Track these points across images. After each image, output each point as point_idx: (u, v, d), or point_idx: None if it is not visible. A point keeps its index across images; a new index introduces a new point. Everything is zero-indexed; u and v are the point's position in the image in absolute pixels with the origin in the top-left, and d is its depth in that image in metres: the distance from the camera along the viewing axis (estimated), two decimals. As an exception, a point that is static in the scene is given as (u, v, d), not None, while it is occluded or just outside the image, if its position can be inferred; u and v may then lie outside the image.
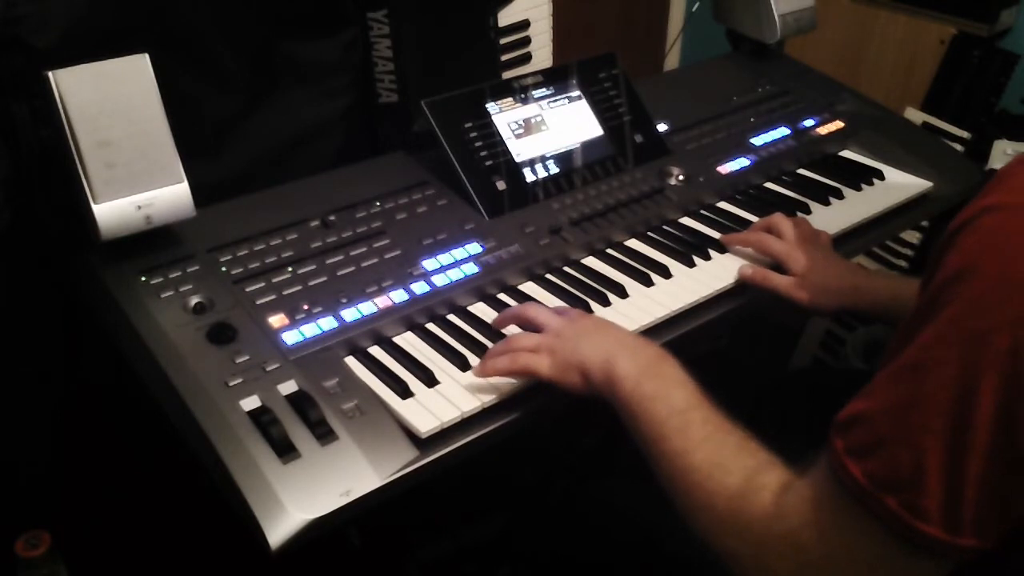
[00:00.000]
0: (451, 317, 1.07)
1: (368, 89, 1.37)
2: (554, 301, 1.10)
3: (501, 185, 1.22)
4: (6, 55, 1.03)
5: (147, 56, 0.99)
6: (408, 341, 1.03)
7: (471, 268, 1.11)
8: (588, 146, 1.31)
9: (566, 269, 1.17)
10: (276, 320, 0.99)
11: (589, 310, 1.08)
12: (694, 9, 2.76)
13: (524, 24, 1.63)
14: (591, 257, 1.20)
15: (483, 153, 1.23)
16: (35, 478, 1.21)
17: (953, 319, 0.63)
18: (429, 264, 1.10)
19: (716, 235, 1.24)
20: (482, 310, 1.09)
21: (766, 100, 1.57)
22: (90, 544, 1.21)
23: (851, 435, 0.68)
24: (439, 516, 1.42)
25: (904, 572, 0.68)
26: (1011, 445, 0.62)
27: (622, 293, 1.12)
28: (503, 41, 1.58)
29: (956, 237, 0.65)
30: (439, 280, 1.09)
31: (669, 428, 0.83)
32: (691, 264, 1.18)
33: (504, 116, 1.26)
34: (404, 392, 0.94)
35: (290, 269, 1.06)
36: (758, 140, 1.46)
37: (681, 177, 1.34)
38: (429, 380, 0.96)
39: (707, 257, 1.20)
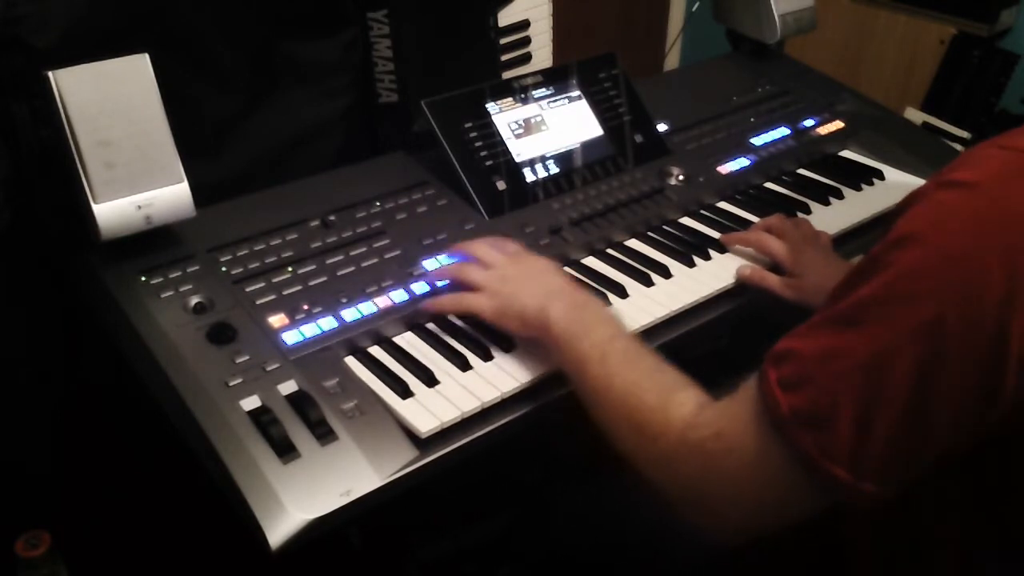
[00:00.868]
0: (451, 317, 1.07)
1: (368, 89, 1.37)
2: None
3: (501, 185, 1.22)
4: (6, 55, 1.03)
5: (147, 56, 0.99)
6: (408, 341, 1.03)
7: (471, 268, 1.11)
8: (588, 146, 1.31)
9: (566, 269, 1.17)
10: (276, 320, 0.99)
11: (589, 310, 1.08)
12: (694, 9, 2.76)
13: (524, 24, 1.63)
14: (591, 257, 1.20)
15: (483, 153, 1.23)
16: (35, 478, 1.21)
17: (888, 282, 0.66)
18: (429, 264, 1.10)
19: (716, 235, 1.24)
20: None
21: (766, 100, 1.57)
22: (90, 544, 1.20)
23: (783, 368, 0.71)
24: (439, 516, 1.42)
25: (799, 499, 0.71)
26: (921, 411, 0.65)
27: (622, 293, 1.12)
28: (503, 41, 1.58)
29: (912, 203, 0.68)
30: (439, 280, 1.09)
31: (590, 359, 0.88)
32: (691, 264, 1.18)
33: (504, 116, 1.26)
34: (404, 392, 0.94)
35: (290, 269, 1.06)
36: (758, 140, 1.46)
37: (681, 177, 1.34)
38: (429, 380, 0.96)
39: (707, 257, 1.20)
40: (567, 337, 0.91)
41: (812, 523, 0.75)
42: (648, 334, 1.07)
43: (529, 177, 1.25)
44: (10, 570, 1.06)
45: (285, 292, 1.03)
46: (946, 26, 2.23)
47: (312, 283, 1.05)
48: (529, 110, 1.29)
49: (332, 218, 1.14)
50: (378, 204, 1.18)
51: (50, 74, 0.94)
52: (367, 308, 1.03)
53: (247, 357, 0.94)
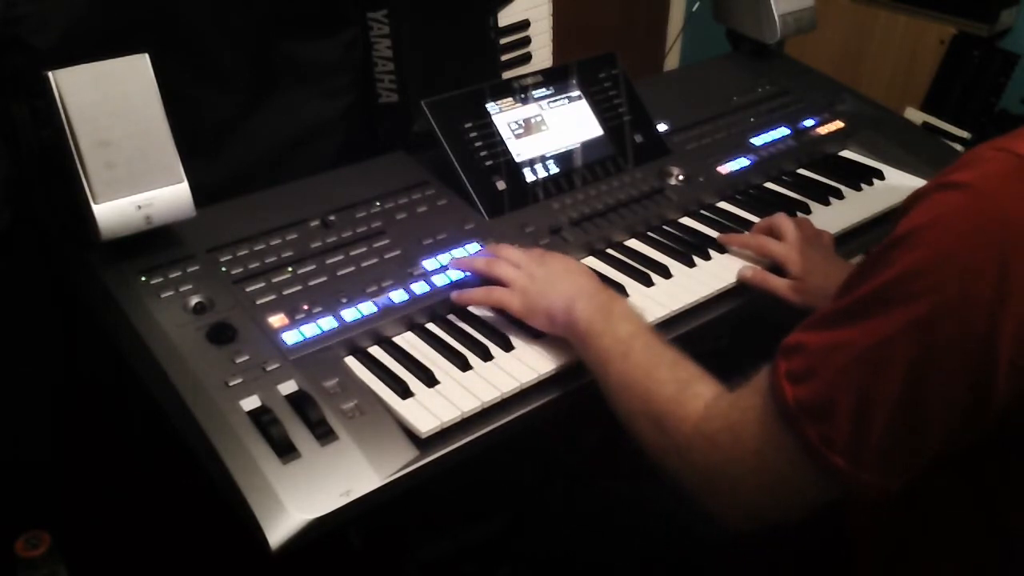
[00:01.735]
0: (451, 317, 1.07)
1: (368, 89, 1.37)
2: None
3: (501, 185, 1.22)
4: (6, 55, 1.03)
5: (147, 56, 0.99)
6: (408, 341, 1.03)
7: (471, 268, 1.11)
8: (588, 146, 1.31)
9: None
10: (276, 320, 0.99)
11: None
12: (694, 9, 2.76)
13: (524, 24, 1.63)
14: (591, 257, 1.20)
15: (483, 153, 1.23)
16: (35, 478, 1.21)
17: (887, 280, 0.68)
18: (429, 264, 1.10)
19: (716, 235, 1.24)
20: (482, 310, 1.09)
21: (766, 100, 1.57)
22: (90, 544, 1.20)
23: (791, 360, 0.73)
24: (439, 516, 1.42)
25: (806, 488, 0.73)
26: (916, 406, 0.67)
27: (622, 293, 1.11)
28: (503, 41, 1.58)
29: (914, 203, 0.70)
30: (439, 280, 1.09)
31: (613, 354, 0.91)
32: (691, 264, 1.18)
33: (504, 116, 1.26)
34: (404, 392, 0.94)
35: (290, 269, 1.06)
36: (758, 140, 1.46)
37: (681, 177, 1.34)
38: (429, 380, 0.96)
39: (707, 257, 1.20)
40: (591, 333, 0.94)
41: (814, 519, 0.76)
42: (648, 334, 1.07)
43: (529, 177, 1.25)
44: (10, 570, 1.06)
45: (285, 292, 1.03)
46: (946, 26, 2.23)
47: (312, 283, 1.05)
48: (529, 110, 1.29)
49: (332, 218, 1.14)
50: (378, 204, 1.18)
51: (50, 74, 0.94)
52: (367, 308, 1.03)
53: (247, 357, 0.94)
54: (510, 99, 1.28)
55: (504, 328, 1.04)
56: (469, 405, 0.94)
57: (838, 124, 1.54)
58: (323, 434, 0.87)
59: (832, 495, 0.73)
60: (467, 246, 1.14)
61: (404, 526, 1.37)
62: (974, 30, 2.18)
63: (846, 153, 1.51)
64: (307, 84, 1.33)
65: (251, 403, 0.89)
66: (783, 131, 1.49)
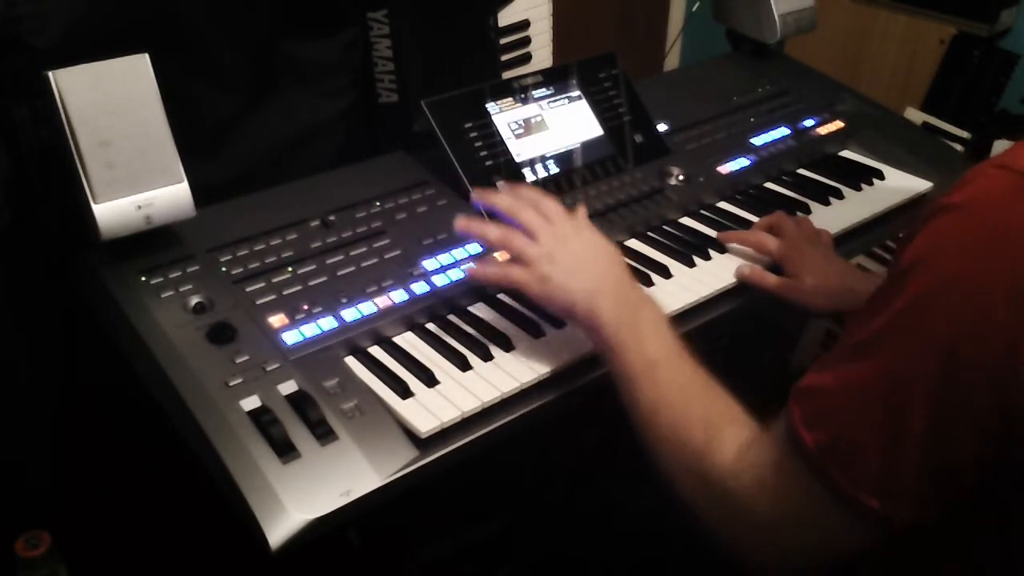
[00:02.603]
0: (451, 317, 1.07)
1: (368, 89, 1.37)
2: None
3: (501, 185, 1.22)
4: (6, 55, 1.03)
5: (147, 56, 0.99)
6: (408, 341, 1.03)
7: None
8: (588, 146, 1.31)
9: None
10: (276, 320, 0.99)
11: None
12: (694, 9, 2.76)
13: (524, 24, 1.63)
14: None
15: (483, 153, 1.23)
16: (35, 478, 1.21)
17: (898, 311, 0.67)
18: (429, 264, 1.10)
19: (716, 235, 1.24)
20: (482, 310, 1.09)
21: (766, 100, 1.57)
22: (90, 544, 1.20)
23: (806, 404, 0.71)
24: (439, 516, 1.42)
25: (845, 535, 0.71)
26: (945, 433, 0.65)
27: (622, 293, 1.11)
28: (503, 41, 1.58)
29: (917, 229, 0.68)
30: (439, 280, 1.09)
31: (642, 381, 0.86)
32: (691, 264, 1.18)
33: (504, 116, 1.26)
34: (404, 392, 0.94)
35: (290, 269, 1.06)
36: (758, 140, 1.46)
37: (681, 177, 1.34)
38: (429, 380, 0.96)
39: (707, 257, 1.20)
40: (617, 344, 0.89)
41: None
42: (648, 334, 1.07)
43: (529, 177, 1.25)
44: (10, 570, 1.06)
45: (285, 292, 1.03)
46: (946, 26, 2.23)
47: (312, 283, 1.05)
48: (529, 110, 1.29)
49: (332, 218, 1.14)
50: (378, 204, 1.18)
51: (50, 74, 0.94)
52: (367, 308, 1.03)
53: (247, 357, 0.94)
54: (510, 99, 1.28)
55: (504, 328, 1.04)
56: (469, 405, 0.94)
57: (838, 124, 1.54)
58: (323, 434, 0.87)
59: (873, 538, 0.71)
60: (467, 246, 1.14)
61: (404, 526, 1.37)
62: (974, 30, 2.18)
63: (846, 153, 1.51)
64: (307, 84, 1.33)
65: (251, 403, 0.89)
66: (783, 131, 1.49)
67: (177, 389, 0.90)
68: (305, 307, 1.01)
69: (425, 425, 0.90)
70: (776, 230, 1.19)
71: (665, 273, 1.16)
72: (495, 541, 1.43)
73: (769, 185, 1.40)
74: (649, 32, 3.01)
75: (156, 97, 0.99)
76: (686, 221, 1.29)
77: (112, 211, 0.97)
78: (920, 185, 1.41)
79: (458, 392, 0.95)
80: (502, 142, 1.25)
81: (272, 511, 0.81)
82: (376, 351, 1.01)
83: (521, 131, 1.27)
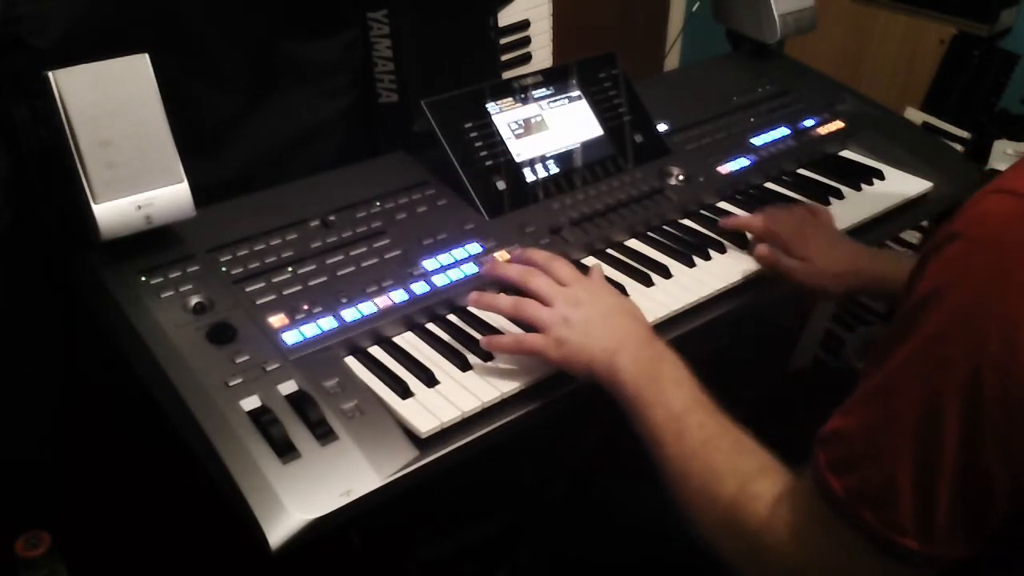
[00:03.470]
0: (451, 317, 1.07)
1: (368, 89, 1.37)
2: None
3: (501, 185, 1.22)
4: (6, 55, 1.03)
5: (147, 56, 0.99)
6: (408, 341, 1.03)
7: (471, 268, 1.11)
8: (588, 146, 1.31)
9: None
10: (276, 320, 0.99)
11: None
12: (694, 9, 2.76)
13: (524, 24, 1.63)
14: (591, 257, 1.20)
15: (483, 153, 1.23)
16: (35, 478, 1.21)
17: (918, 346, 0.66)
18: (429, 264, 1.10)
19: (716, 235, 1.24)
20: (482, 312, 1.09)
21: (766, 100, 1.57)
22: (90, 544, 1.20)
23: (831, 450, 0.70)
24: (439, 516, 1.42)
25: None
26: (977, 465, 0.64)
27: (622, 293, 1.11)
28: (503, 41, 1.58)
29: (926, 262, 0.67)
30: (439, 280, 1.09)
31: (667, 433, 0.85)
32: (691, 264, 1.18)
33: (504, 116, 1.26)
34: (404, 392, 0.94)
35: (290, 269, 1.06)
36: (758, 140, 1.46)
37: (681, 177, 1.34)
38: (429, 380, 0.96)
39: (707, 257, 1.20)
40: (640, 402, 0.88)
41: None
42: (648, 334, 1.07)
43: (529, 177, 1.25)
44: (10, 570, 1.06)
45: (285, 292, 1.03)
46: (946, 26, 2.23)
47: (312, 283, 1.05)
48: (529, 110, 1.29)
49: (332, 218, 1.14)
50: (378, 204, 1.18)
51: (50, 74, 0.94)
52: (367, 308, 1.03)
53: (247, 357, 0.94)
54: (510, 99, 1.28)
55: (505, 328, 1.04)
56: (469, 405, 0.93)
57: (838, 124, 1.54)
58: (323, 434, 0.87)
59: None
60: (467, 246, 1.14)
61: (404, 526, 1.37)
62: (974, 30, 2.18)
63: (846, 153, 1.51)
64: (307, 84, 1.33)
65: (251, 403, 0.89)
66: (783, 131, 1.49)
67: (177, 389, 0.90)
68: (305, 307, 1.01)
69: (425, 425, 0.90)
70: (773, 220, 1.19)
71: (665, 273, 1.16)
72: (495, 541, 1.43)
73: (769, 185, 1.40)
74: (649, 32, 3.01)
75: (156, 97, 0.99)
76: (686, 221, 1.29)
77: (112, 211, 0.97)
78: (920, 185, 1.41)
79: (458, 392, 0.95)
80: (502, 142, 1.25)
81: (272, 511, 0.81)
82: (376, 351, 1.01)
83: (521, 131, 1.27)
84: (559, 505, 1.24)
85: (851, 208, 1.35)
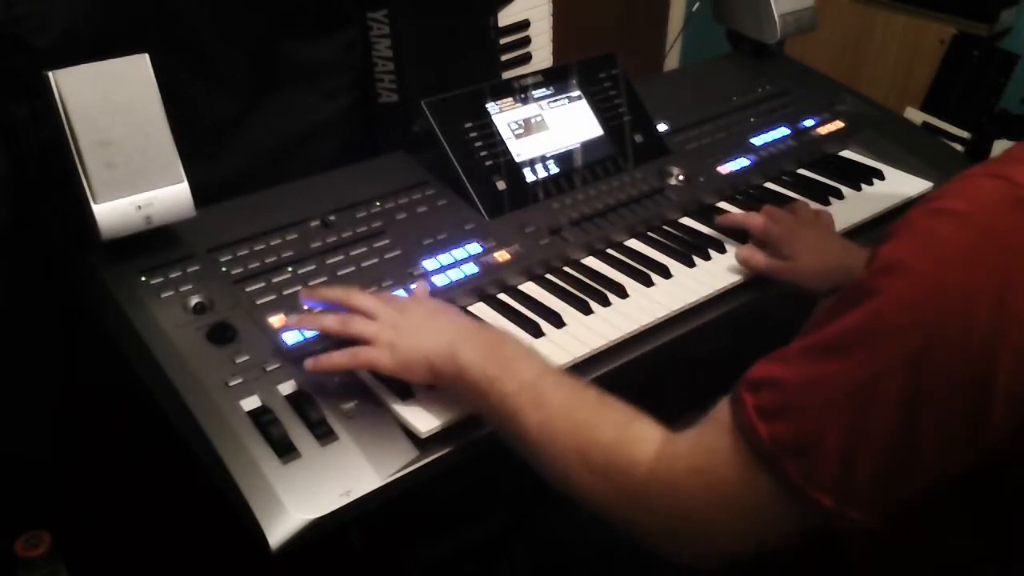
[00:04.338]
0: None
1: (368, 89, 1.37)
2: (554, 301, 1.10)
3: (501, 185, 1.22)
4: (6, 55, 1.03)
5: (147, 56, 0.99)
6: (408, 341, 1.03)
7: (471, 268, 1.11)
8: (588, 146, 1.31)
9: (566, 269, 1.17)
10: (276, 320, 0.99)
11: (589, 310, 1.08)
12: (694, 9, 2.76)
13: (524, 24, 1.63)
14: (591, 257, 1.20)
15: (483, 153, 1.23)
16: (35, 478, 1.21)
17: (875, 311, 0.65)
18: (429, 264, 1.10)
19: (716, 235, 1.24)
20: (482, 310, 1.09)
21: (766, 100, 1.57)
22: (90, 544, 1.20)
23: (761, 395, 0.70)
24: (439, 516, 1.42)
25: (783, 526, 0.70)
26: (908, 440, 0.64)
27: (622, 293, 1.11)
28: (503, 41, 1.58)
29: (901, 229, 0.67)
30: (439, 280, 1.09)
31: (522, 401, 0.82)
32: (691, 264, 1.18)
33: (504, 116, 1.26)
34: (404, 392, 0.94)
35: (290, 269, 1.06)
36: (758, 140, 1.46)
37: (681, 177, 1.34)
38: (429, 380, 0.96)
39: (707, 257, 1.20)
40: (487, 381, 0.84)
41: (812, 539, 0.73)
42: (648, 334, 1.07)
43: (529, 177, 1.25)
44: (10, 570, 1.06)
45: (285, 292, 1.03)
46: (946, 26, 2.23)
47: (312, 283, 1.05)
48: (529, 110, 1.29)
49: (332, 218, 1.14)
50: (378, 204, 1.18)
51: (50, 74, 0.94)
52: (367, 308, 1.03)
53: (247, 357, 0.94)
54: (510, 99, 1.28)
55: (503, 328, 1.04)
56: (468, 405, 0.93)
57: (838, 124, 1.54)
58: (323, 434, 0.87)
59: (812, 526, 0.70)
60: (467, 246, 1.14)
61: (404, 526, 1.37)
62: (974, 30, 2.18)
63: (846, 153, 1.51)
64: (307, 84, 1.33)
65: (251, 403, 0.89)
66: (783, 131, 1.49)
67: (177, 389, 0.90)
68: (305, 307, 1.01)
69: (425, 425, 0.90)
70: (773, 218, 1.20)
71: (665, 273, 1.16)
72: (495, 541, 1.43)
73: (769, 185, 1.40)
74: (649, 32, 3.02)
75: (156, 97, 0.99)
76: (686, 221, 1.29)
77: (112, 211, 0.97)
78: (920, 185, 1.41)
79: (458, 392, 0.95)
80: (502, 142, 1.25)
81: (272, 511, 0.81)
82: (376, 351, 1.01)
83: (521, 131, 1.27)
84: (559, 505, 1.24)
85: (851, 208, 1.35)
